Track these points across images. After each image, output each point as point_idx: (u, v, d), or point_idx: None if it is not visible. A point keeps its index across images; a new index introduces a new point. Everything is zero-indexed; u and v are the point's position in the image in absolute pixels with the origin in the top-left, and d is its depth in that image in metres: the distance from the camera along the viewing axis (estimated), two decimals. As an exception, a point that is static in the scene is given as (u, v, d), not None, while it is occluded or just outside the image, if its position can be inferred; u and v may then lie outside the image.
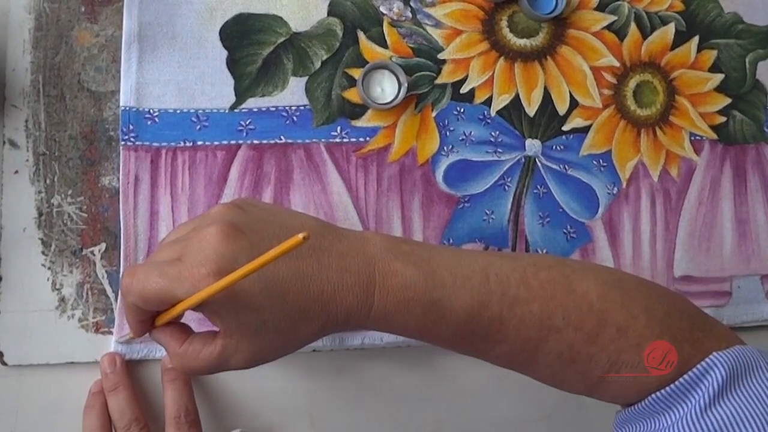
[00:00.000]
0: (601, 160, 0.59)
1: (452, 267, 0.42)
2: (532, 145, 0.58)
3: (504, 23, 0.59)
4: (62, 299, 0.52)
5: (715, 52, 0.62)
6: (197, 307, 0.38)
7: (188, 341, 0.40)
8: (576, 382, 0.44)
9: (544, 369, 0.43)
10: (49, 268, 0.52)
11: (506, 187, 0.58)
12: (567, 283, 0.43)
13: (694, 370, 0.41)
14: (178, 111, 0.54)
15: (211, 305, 0.38)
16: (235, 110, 0.55)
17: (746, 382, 0.41)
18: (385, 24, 0.57)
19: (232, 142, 0.54)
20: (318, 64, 0.56)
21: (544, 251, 0.58)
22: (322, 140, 0.56)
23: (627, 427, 0.44)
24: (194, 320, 0.53)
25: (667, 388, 0.42)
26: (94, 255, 0.53)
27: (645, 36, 0.61)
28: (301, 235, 0.33)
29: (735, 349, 0.42)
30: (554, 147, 0.59)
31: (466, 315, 0.41)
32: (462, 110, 0.58)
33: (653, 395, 0.42)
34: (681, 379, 0.41)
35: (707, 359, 0.41)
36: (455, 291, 0.41)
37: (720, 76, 0.62)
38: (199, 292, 0.36)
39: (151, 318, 0.41)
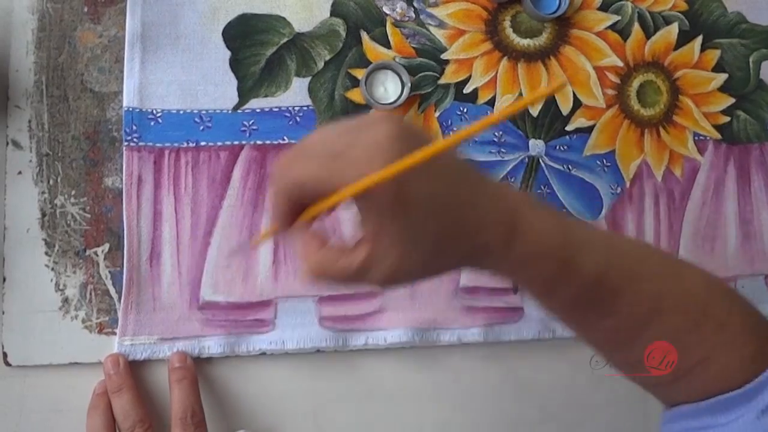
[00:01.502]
0: (604, 160, 0.59)
1: (582, 231, 0.42)
2: (536, 145, 0.58)
3: (507, 23, 0.59)
4: (66, 300, 0.52)
5: (718, 52, 0.61)
6: (357, 199, 0.36)
7: (327, 247, 0.38)
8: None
9: (640, 352, 0.43)
10: (52, 269, 0.52)
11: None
12: (678, 270, 0.44)
13: (764, 374, 0.42)
14: (181, 111, 0.54)
15: (376, 197, 0.35)
16: (238, 111, 0.55)
17: None
18: (388, 24, 0.57)
19: (235, 142, 0.54)
20: (321, 65, 0.56)
21: (548, 251, 0.57)
22: (326, 140, 0.55)
23: (683, 423, 0.44)
24: (198, 321, 0.53)
25: (743, 388, 0.42)
26: (97, 255, 0.53)
27: (648, 36, 0.60)
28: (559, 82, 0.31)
29: None
30: (558, 147, 0.58)
31: (589, 280, 0.41)
32: (465, 110, 0.58)
33: (728, 394, 0.42)
34: (756, 380, 0.42)
35: None
36: (585, 254, 0.41)
37: (724, 76, 0.61)
38: (368, 177, 0.34)
39: (296, 212, 0.39)
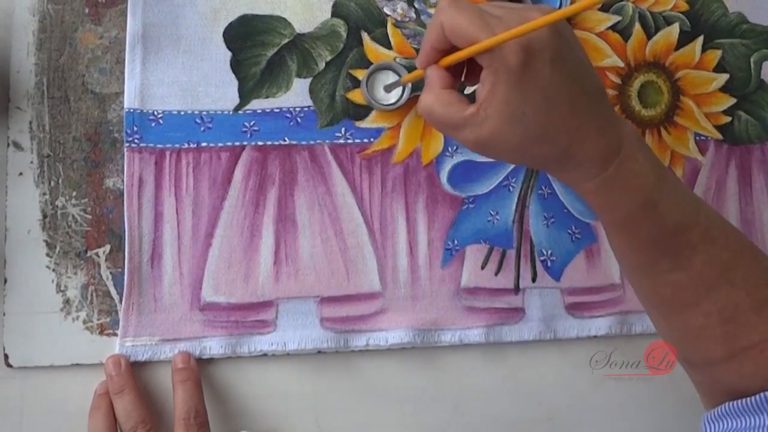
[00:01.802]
0: (605, 161, 0.59)
1: (677, 184, 0.44)
2: (537, 146, 0.58)
3: (508, 24, 0.59)
4: (67, 301, 0.52)
5: (719, 52, 0.61)
6: (486, 56, 0.39)
7: (449, 90, 0.42)
8: (719, 344, 0.44)
9: (698, 319, 0.44)
10: (53, 270, 0.52)
11: (511, 188, 0.58)
12: (755, 251, 0.45)
13: None
14: (182, 112, 0.54)
15: (504, 58, 0.38)
16: (239, 112, 0.55)
17: None
18: (389, 25, 0.57)
19: (236, 143, 0.54)
20: (322, 66, 0.56)
21: (549, 252, 0.58)
22: (327, 141, 0.55)
23: (725, 422, 0.44)
24: (199, 321, 0.53)
25: None
26: (98, 257, 0.53)
27: (649, 36, 0.60)
28: None
29: None
30: (559, 147, 0.58)
31: (672, 227, 0.43)
32: (466, 111, 0.57)
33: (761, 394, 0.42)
34: None
35: None
36: (673, 203, 0.43)
37: (725, 76, 0.61)
38: (508, 31, 0.37)
39: (442, 54, 0.42)
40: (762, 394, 0.42)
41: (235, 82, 0.55)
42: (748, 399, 0.43)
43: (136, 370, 0.52)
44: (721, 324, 0.43)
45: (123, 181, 0.53)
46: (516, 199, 0.57)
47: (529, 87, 0.39)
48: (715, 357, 0.45)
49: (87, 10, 0.54)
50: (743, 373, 0.44)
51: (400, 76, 0.56)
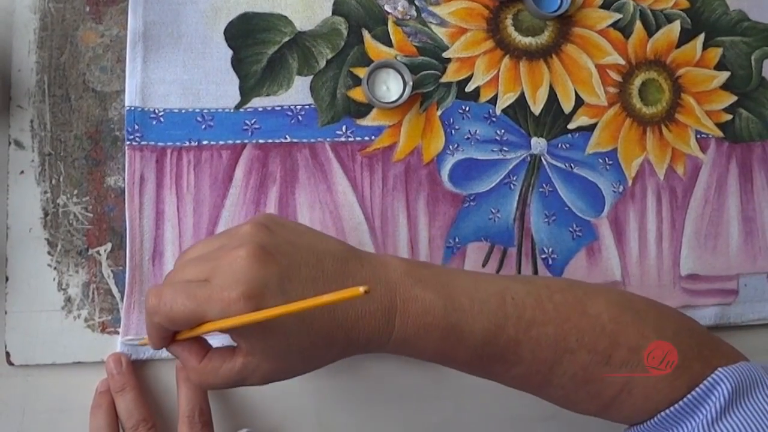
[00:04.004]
0: (606, 159, 0.59)
1: (470, 291, 0.42)
2: (538, 144, 0.58)
3: (509, 21, 0.59)
4: (68, 299, 0.52)
5: (720, 50, 0.61)
6: (224, 330, 0.38)
7: (207, 357, 0.41)
8: (589, 403, 0.45)
9: (557, 391, 0.44)
10: (55, 268, 0.52)
11: (512, 186, 0.58)
12: (580, 306, 0.43)
13: (701, 386, 0.42)
14: (183, 111, 0.54)
15: (240, 329, 0.38)
16: (240, 110, 0.55)
17: (751, 397, 0.41)
18: (389, 23, 0.57)
19: (237, 141, 0.54)
20: (323, 63, 0.56)
21: (550, 250, 0.58)
22: (328, 139, 0.55)
23: None
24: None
25: (677, 405, 0.42)
26: (99, 255, 0.53)
27: (650, 34, 0.60)
28: (361, 289, 0.33)
29: (740, 365, 0.43)
30: (560, 145, 0.58)
31: (483, 338, 0.41)
32: (467, 109, 0.57)
33: (664, 412, 0.43)
34: (689, 396, 0.42)
35: (713, 375, 0.42)
36: (473, 315, 0.41)
37: (726, 74, 0.61)
38: (231, 318, 0.36)
39: (172, 334, 0.41)
40: (655, 419, 0.43)
41: (236, 80, 0.55)
42: (645, 424, 0.44)
43: (137, 368, 0.52)
44: (580, 387, 0.43)
45: (124, 179, 0.53)
46: (517, 197, 0.58)
47: (274, 333, 0.38)
48: (592, 411, 0.45)
49: (88, 9, 0.54)
50: (626, 413, 0.44)
51: (401, 74, 0.56)
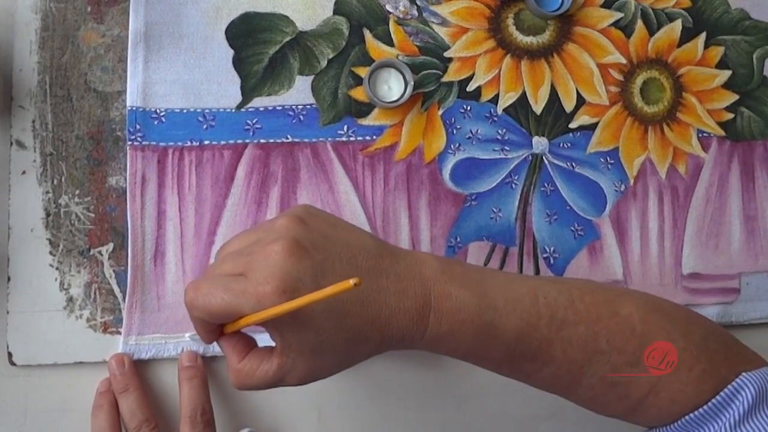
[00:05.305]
0: (608, 158, 0.59)
1: (503, 290, 0.42)
2: (539, 143, 0.58)
3: (510, 21, 0.59)
4: (70, 299, 0.52)
5: (722, 49, 0.61)
6: (261, 323, 0.38)
7: (247, 357, 0.41)
8: (616, 405, 0.45)
9: (586, 392, 0.44)
10: (56, 269, 0.52)
11: (513, 185, 0.58)
12: (611, 307, 0.43)
13: (726, 390, 0.42)
14: (185, 110, 0.54)
15: (275, 322, 0.38)
16: (242, 109, 0.55)
17: None
18: (391, 22, 0.57)
19: (239, 141, 0.54)
20: (324, 63, 0.56)
21: (552, 249, 0.58)
22: (329, 139, 0.55)
23: None
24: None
25: (703, 408, 0.43)
26: (101, 255, 0.53)
27: (652, 33, 0.60)
28: (352, 281, 0.33)
29: (764, 371, 0.43)
30: (561, 144, 0.58)
31: (516, 337, 0.41)
32: (468, 108, 0.57)
33: (689, 415, 0.43)
34: (714, 400, 0.42)
35: (737, 380, 0.43)
36: (506, 313, 0.41)
37: (727, 73, 0.61)
38: (265, 311, 0.36)
39: (219, 327, 0.41)
40: (679, 421, 0.43)
41: (237, 80, 0.55)
42: (669, 426, 0.44)
43: (139, 368, 0.52)
44: (608, 389, 0.43)
45: (126, 179, 0.53)
46: (518, 197, 0.58)
47: (309, 326, 0.38)
48: (618, 414, 0.45)
49: (89, 9, 0.54)
50: (652, 416, 0.45)
51: (402, 73, 0.56)
